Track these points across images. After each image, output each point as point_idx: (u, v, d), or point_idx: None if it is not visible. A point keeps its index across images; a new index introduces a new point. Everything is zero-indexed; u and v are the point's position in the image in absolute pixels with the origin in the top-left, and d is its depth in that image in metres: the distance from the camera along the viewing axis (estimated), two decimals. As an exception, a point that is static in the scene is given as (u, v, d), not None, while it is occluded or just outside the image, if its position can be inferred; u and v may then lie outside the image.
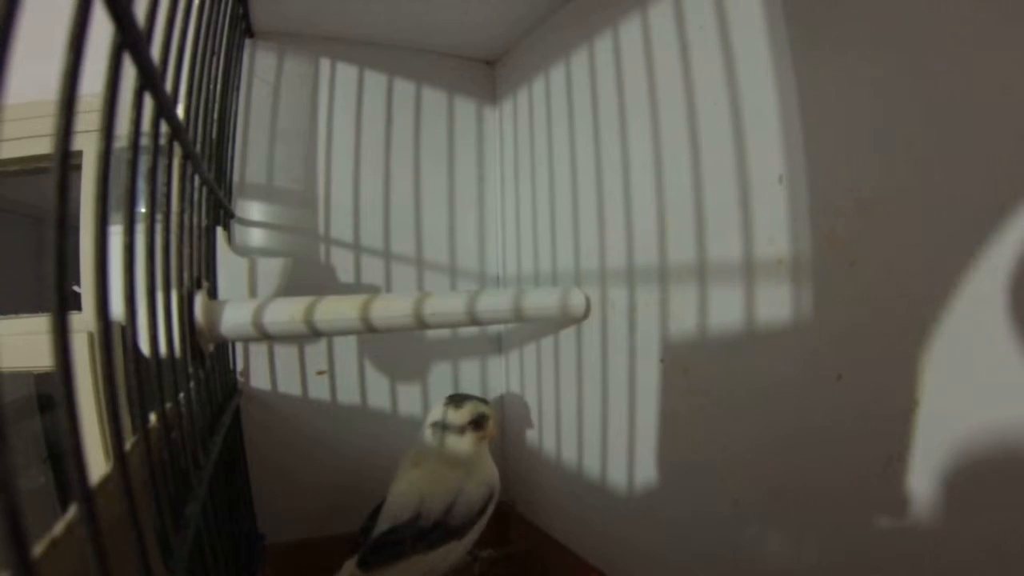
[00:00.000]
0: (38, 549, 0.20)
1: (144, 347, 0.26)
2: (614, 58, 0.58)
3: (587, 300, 0.63)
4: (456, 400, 0.64)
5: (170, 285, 0.31)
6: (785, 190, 0.40)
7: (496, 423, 0.64)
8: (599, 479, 0.62)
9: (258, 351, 0.72)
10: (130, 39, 0.20)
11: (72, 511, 0.20)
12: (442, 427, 0.63)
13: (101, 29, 0.18)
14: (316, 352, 0.75)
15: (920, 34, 0.32)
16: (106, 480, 0.24)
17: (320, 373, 0.75)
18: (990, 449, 0.29)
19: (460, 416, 0.63)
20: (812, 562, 0.39)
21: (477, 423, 0.63)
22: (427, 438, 0.64)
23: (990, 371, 0.29)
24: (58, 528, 0.21)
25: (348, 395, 0.77)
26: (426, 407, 0.80)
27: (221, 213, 0.58)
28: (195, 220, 0.40)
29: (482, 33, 0.76)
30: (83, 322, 0.75)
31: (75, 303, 0.79)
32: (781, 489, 0.41)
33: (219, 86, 0.52)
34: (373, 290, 0.77)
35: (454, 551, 0.60)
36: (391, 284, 0.78)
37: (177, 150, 0.33)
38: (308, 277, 0.73)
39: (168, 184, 0.31)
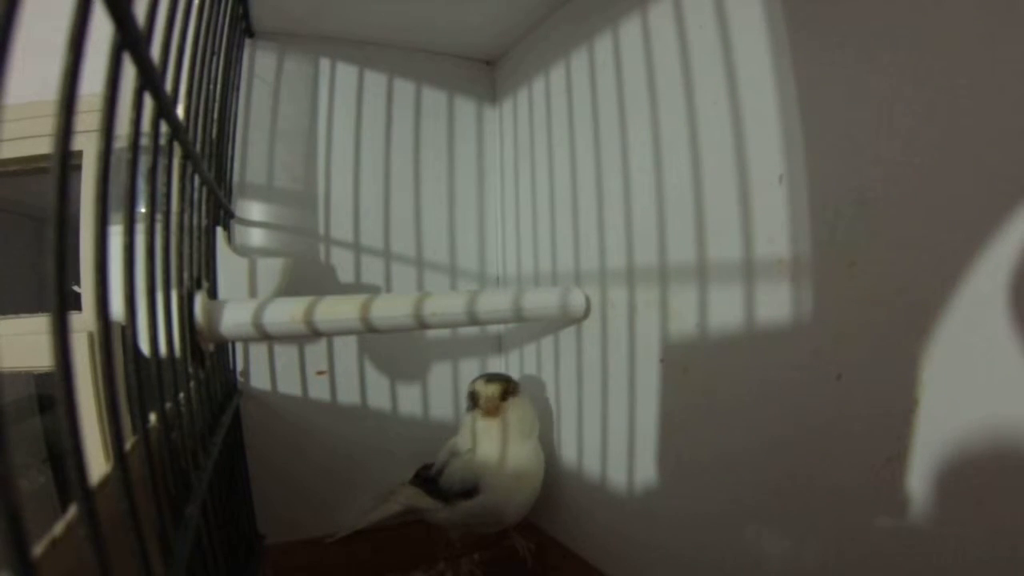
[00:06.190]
0: (38, 549, 0.20)
1: (144, 347, 0.26)
2: (614, 58, 0.58)
3: (587, 300, 0.63)
4: (490, 377, 0.65)
5: (170, 285, 0.31)
6: (785, 190, 0.40)
7: (490, 400, 0.62)
8: (599, 478, 0.62)
9: (258, 351, 0.72)
10: (130, 39, 0.20)
11: (72, 511, 0.20)
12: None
13: (101, 29, 0.18)
14: (316, 352, 0.75)
15: (920, 34, 0.32)
16: (106, 480, 0.24)
17: (320, 373, 0.75)
18: (990, 448, 0.29)
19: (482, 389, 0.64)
20: (812, 562, 0.39)
21: (473, 398, 0.64)
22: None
23: (990, 371, 0.29)
24: (58, 528, 0.21)
25: (348, 395, 0.76)
26: (426, 407, 0.80)
27: (221, 213, 0.58)
28: (195, 220, 0.40)
29: (482, 33, 0.76)
30: (83, 322, 0.75)
31: (75, 303, 0.79)
32: (781, 489, 0.41)
33: (219, 86, 0.52)
34: (373, 290, 0.77)
35: (439, 511, 0.65)
36: (391, 284, 0.78)
37: (177, 150, 0.33)
38: (308, 277, 0.73)
39: (168, 184, 0.31)
